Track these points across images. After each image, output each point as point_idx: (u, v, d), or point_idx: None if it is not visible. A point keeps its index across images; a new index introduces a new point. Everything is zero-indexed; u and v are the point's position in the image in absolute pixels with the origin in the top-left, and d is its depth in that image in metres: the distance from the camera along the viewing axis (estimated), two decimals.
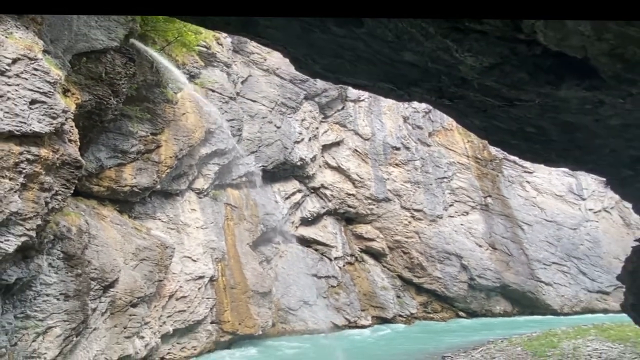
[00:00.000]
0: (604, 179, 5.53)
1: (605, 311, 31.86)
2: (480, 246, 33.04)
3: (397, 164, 33.11)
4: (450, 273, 31.59)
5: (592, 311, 32.70)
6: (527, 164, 34.45)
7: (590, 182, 36.97)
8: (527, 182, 36.67)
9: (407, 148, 33.68)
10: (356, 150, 31.96)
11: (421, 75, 3.89)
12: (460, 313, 31.68)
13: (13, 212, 10.05)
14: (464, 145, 35.73)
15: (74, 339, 12.51)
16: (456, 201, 34.24)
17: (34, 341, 11.49)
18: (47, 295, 11.93)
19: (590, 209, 37.48)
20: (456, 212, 33.96)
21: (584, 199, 37.68)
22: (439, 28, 3.08)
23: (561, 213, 36.47)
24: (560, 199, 37.20)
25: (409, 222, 32.28)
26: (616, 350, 15.92)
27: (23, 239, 10.31)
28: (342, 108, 32.08)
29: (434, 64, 3.60)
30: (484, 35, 3.02)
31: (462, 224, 33.57)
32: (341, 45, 3.76)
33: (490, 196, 35.19)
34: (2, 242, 9.95)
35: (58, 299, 12.15)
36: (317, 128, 30.12)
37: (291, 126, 27.49)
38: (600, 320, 24.83)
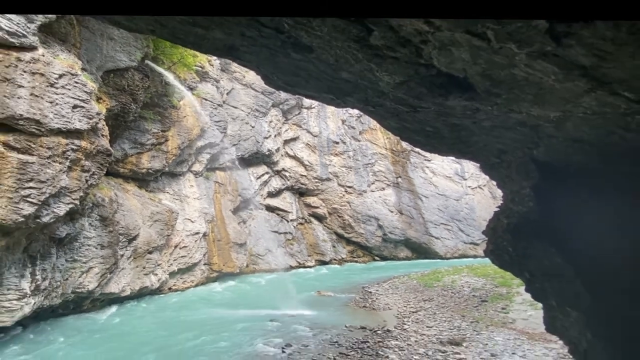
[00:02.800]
0: (479, 165, 5.27)
1: (475, 257, 33.00)
2: (392, 212, 34.08)
3: (336, 154, 33.50)
4: (370, 230, 32.53)
5: (466, 256, 33.95)
6: (427, 154, 34.95)
7: (470, 167, 37.95)
8: (427, 167, 37.67)
9: (344, 142, 34.13)
10: (308, 144, 32.19)
11: (353, 89, 3.78)
12: (376, 258, 32.63)
13: (62, 187, 10.14)
14: (384, 140, 36.29)
15: (108, 275, 12.63)
16: (376, 180, 34.95)
17: (79, 277, 11.60)
18: (89, 245, 11.94)
19: (469, 186, 38.79)
20: (376, 188, 34.64)
21: (465, 179, 38.95)
22: (365, 54, 2.95)
23: (449, 189, 37.73)
24: (449, 179, 38.39)
25: (343, 195, 32.86)
26: (480, 282, 16.64)
27: (70, 206, 10.42)
28: (299, 113, 32.08)
29: (362, 80, 3.49)
30: (396, 60, 2.90)
31: (380, 197, 34.36)
32: (297, 66, 3.58)
33: (400, 177, 36.12)
34: (55, 208, 10.05)
35: (96, 248, 12.18)
36: (280, 127, 30.16)
37: (262, 126, 27.43)
38: (471, 263, 25.62)
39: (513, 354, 8.55)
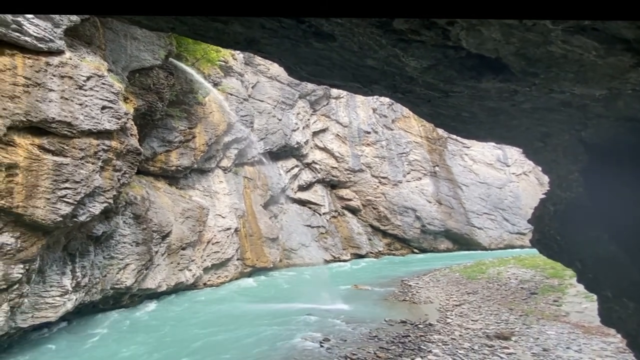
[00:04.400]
0: (521, 150, 5.10)
1: (522, 247, 32.33)
2: (430, 202, 33.64)
3: (368, 144, 33.33)
4: (407, 222, 32.34)
5: (513, 247, 33.15)
6: (466, 140, 35.17)
7: (513, 152, 37.14)
8: (466, 154, 36.95)
9: (376, 132, 33.83)
10: (338, 135, 32.15)
11: (380, 76, 3.74)
12: (415, 250, 32.39)
13: (96, 187, 10.61)
14: (419, 128, 35.76)
15: (144, 271, 13.22)
16: (412, 170, 34.56)
17: (117, 273, 12.20)
18: (124, 242, 12.49)
19: (513, 173, 37.86)
20: (412, 178, 34.32)
21: (508, 166, 37.95)
22: (389, 40, 2.92)
23: (491, 177, 36.83)
24: (490, 166, 37.46)
25: (377, 186, 32.75)
26: (529, 274, 16.17)
27: (104, 204, 10.90)
28: (327, 103, 32.00)
29: (389, 67, 3.45)
30: (422, 44, 2.86)
31: (416, 187, 34.03)
32: (320, 55, 3.59)
33: (437, 166, 35.53)
34: (90, 207, 10.59)
35: (131, 245, 12.73)
36: (308, 119, 30.17)
37: (289, 119, 27.54)
38: (518, 253, 24.87)
39: (567, 348, 8.26)
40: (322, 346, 9.01)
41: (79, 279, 10.72)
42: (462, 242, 33.59)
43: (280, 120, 26.52)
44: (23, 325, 9.34)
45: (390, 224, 32.04)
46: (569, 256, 4.82)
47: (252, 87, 25.00)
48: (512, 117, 3.97)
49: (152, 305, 13.49)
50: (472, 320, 10.62)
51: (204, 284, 16.97)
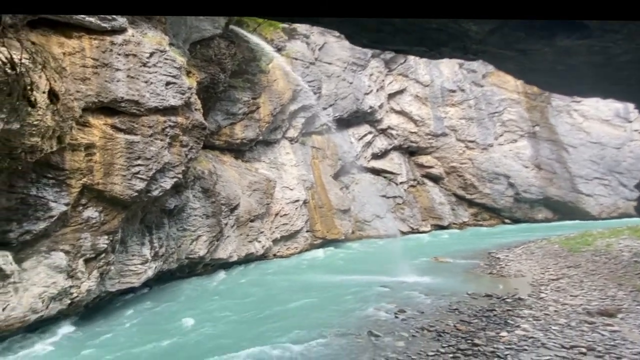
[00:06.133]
0: (634, 105, 4.70)
1: None
2: (526, 167, 30.48)
3: (453, 105, 30.87)
4: (498, 190, 29.91)
5: (629, 216, 28.86)
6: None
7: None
8: (575, 110, 32.20)
9: (462, 90, 31.06)
10: (417, 96, 30.18)
11: (447, 38, 3.65)
12: (506, 220, 30.05)
13: (166, 162, 11.20)
14: (515, 82, 31.33)
15: (215, 242, 14.06)
16: (506, 131, 31.35)
17: (190, 244, 13.15)
18: (195, 215, 13.32)
19: (635, 130, 32.40)
20: (505, 140, 31.26)
21: (630, 121, 32.40)
22: None
23: (606, 135, 31.97)
24: (606, 123, 32.41)
25: (463, 151, 30.54)
26: None
27: (175, 179, 11.53)
28: (404, 61, 29.92)
29: (454, 30, 3.39)
30: None
31: (510, 150, 30.95)
32: (381, 22, 3.59)
33: (538, 125, 31.67)
34: (162, 182, 11.30)
35: (202, 218, 13.54)
36: (383, 80, 28.63)
37: (361, 81, 26.39)
38: (636, 223, 21.24)
39: None
40: (397, 317, 8.80)
41: (156, 249, 11.73)
42: (565, 211, 30.26)
43: (351, 83, 25.55)
44: (111, 290, 10.61)
45: (478, 193, 29.95)
46: None
47: (319, 49, 24.32)
48: (619, 68, 3.62)
49: (224, 274, 14.38)
50: (571, 296, 9.74)
51: (274, 255, 17.56)
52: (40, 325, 8.81)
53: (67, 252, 9.32)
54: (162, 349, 7.77)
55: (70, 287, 9.27)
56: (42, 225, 8.78)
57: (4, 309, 8.12)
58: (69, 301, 9.29)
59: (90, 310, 10.10)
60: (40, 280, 8.80)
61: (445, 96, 30.68)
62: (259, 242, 16.42)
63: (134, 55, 10.72)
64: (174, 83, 11.46)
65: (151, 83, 11.03)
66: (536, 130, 31.64)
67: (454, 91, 30.80)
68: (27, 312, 8.43)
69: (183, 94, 11.80)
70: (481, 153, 30.47)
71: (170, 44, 12.02)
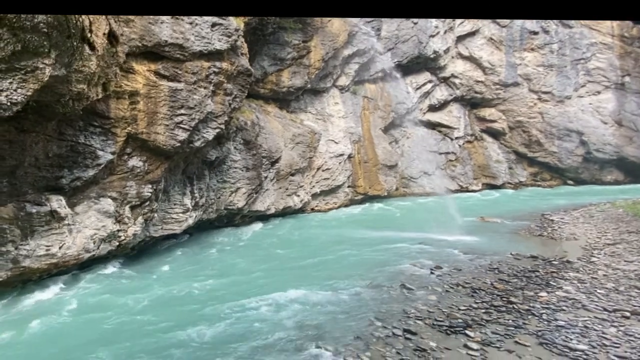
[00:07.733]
0: None
1: None
2: (605, 123, 27.68)
3: (532, 49, 27.67)
4: (567, 148, 27.73)
5: None
6: None
7: None
8: None
9: (546, 32, 27.53)
10: (491, 39, 27.12)
11: None
12: (569, 181, 28.23)
13: (209, 112, 11.14)
14: (611, 24, 27.85)
15: (254, 195, 14.37)
16: (589, 82, 28.15)
17: (229, 196, 13.55)
18: (235, 167, 13.51)
19: None
20: (587, 92, 28.21)
21: None
22: None
23: None
24: None
25: (535, 103, 28.00)
26: None
27: (217, 130, 11.54)
28: None
29: None
30: None
31: (590, 104, 28.06)
32: None
33: (629, 75, 27.95)
34: (204, 133, 11.35)
35: (242, 170, 13.72)
36: (452, 20, 25.59)
37: (428, 21, 23.76)
38: None
39: None
40: (432, 273, 8.82)
41: (197, 199, 12.19)
42: None
43: (415, 23, 23.23)
44: (155, 235, 11.39)
45: (543, 151, 27.95)
46: None
47: None
48: None
49: (260, 225, 14.91)
50: (625, 261, 9.29)
51: (312, 209, 17.75)
52: (92, 264, 9.79)
53: (114, 199, 9.91)
54: (208, 288, 8.41)
55: (118, 230, 10.01)
56: (90, 172, 9.26)
57: (60, 247, 9.01)
58: (117, 243, 10.11)
59: (137, 253, 11.02)
60: (91, 224, 9.55)
61: (524, 39, 27.55)
62: (298, 196, 16.53)
63: None
64: (220, 24, 11.01)
65: (196, 24, 10.65)
66: (625, 81, 28.01)
67: (536, 33, 27.43)
68: (80, 251, 9.30)
69: (229, 36, 11.33)
70: (555, 106, 27.82)
71: None
